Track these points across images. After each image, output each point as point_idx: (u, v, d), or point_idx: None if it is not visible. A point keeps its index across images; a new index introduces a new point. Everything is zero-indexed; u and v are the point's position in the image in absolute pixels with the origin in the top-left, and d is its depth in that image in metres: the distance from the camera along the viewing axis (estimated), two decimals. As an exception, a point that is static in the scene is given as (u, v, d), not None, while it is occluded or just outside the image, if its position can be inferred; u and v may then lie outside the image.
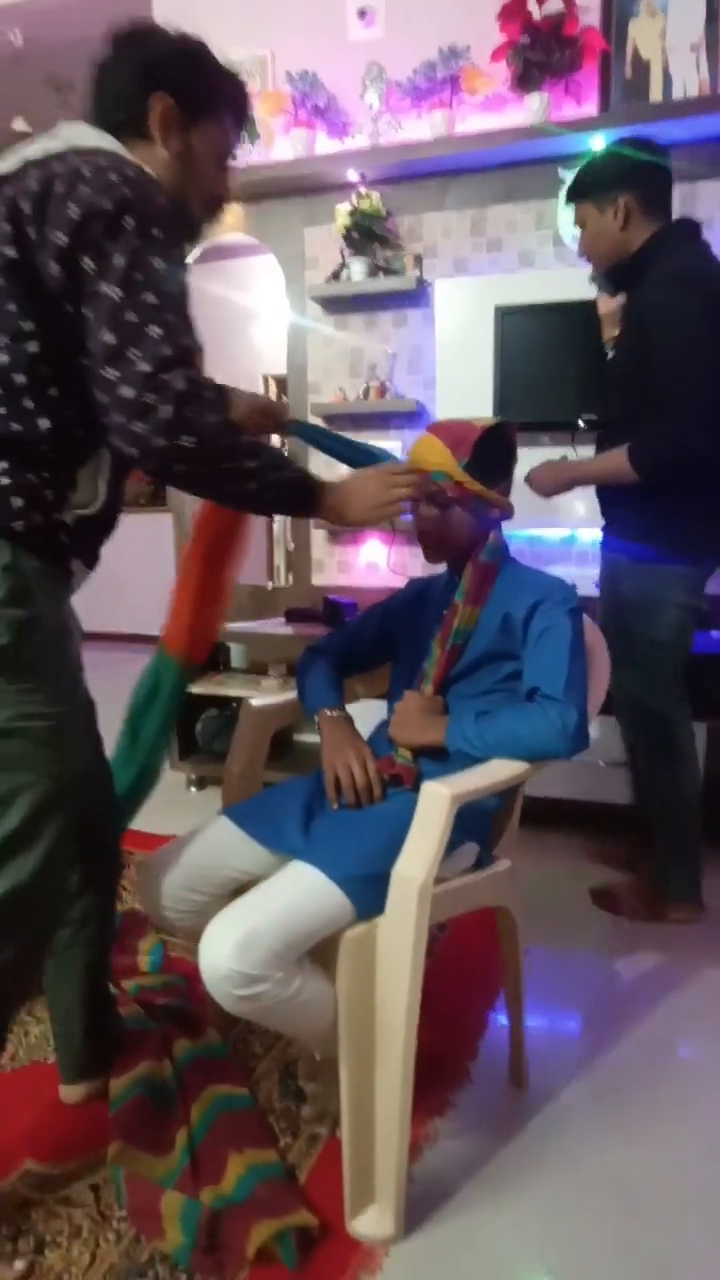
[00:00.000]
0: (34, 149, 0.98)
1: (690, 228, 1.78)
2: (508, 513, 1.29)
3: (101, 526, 1.08)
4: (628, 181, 1.74)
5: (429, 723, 1.22)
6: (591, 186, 1.77)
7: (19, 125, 3.31)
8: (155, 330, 0.89)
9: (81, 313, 0.91)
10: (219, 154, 1.10)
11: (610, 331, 1.88)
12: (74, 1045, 1.29)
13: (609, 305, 1.88)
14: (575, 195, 1.81)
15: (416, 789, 1.10)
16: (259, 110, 2.63)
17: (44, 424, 0.94)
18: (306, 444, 1.49)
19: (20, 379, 0.93)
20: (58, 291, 0.92)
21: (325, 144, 2.60)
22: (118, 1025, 1.39)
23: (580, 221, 1.82)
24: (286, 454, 1.12)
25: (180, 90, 1.03)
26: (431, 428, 1.26)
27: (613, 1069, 1.44)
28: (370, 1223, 1.11)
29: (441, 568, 1.36)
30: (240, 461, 0.97)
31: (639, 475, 1.64)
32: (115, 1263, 1.05)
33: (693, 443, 1.58)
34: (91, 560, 1.10)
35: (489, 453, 1.23)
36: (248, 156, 2.69)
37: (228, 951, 0.98)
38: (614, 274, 1.82)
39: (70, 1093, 1.31)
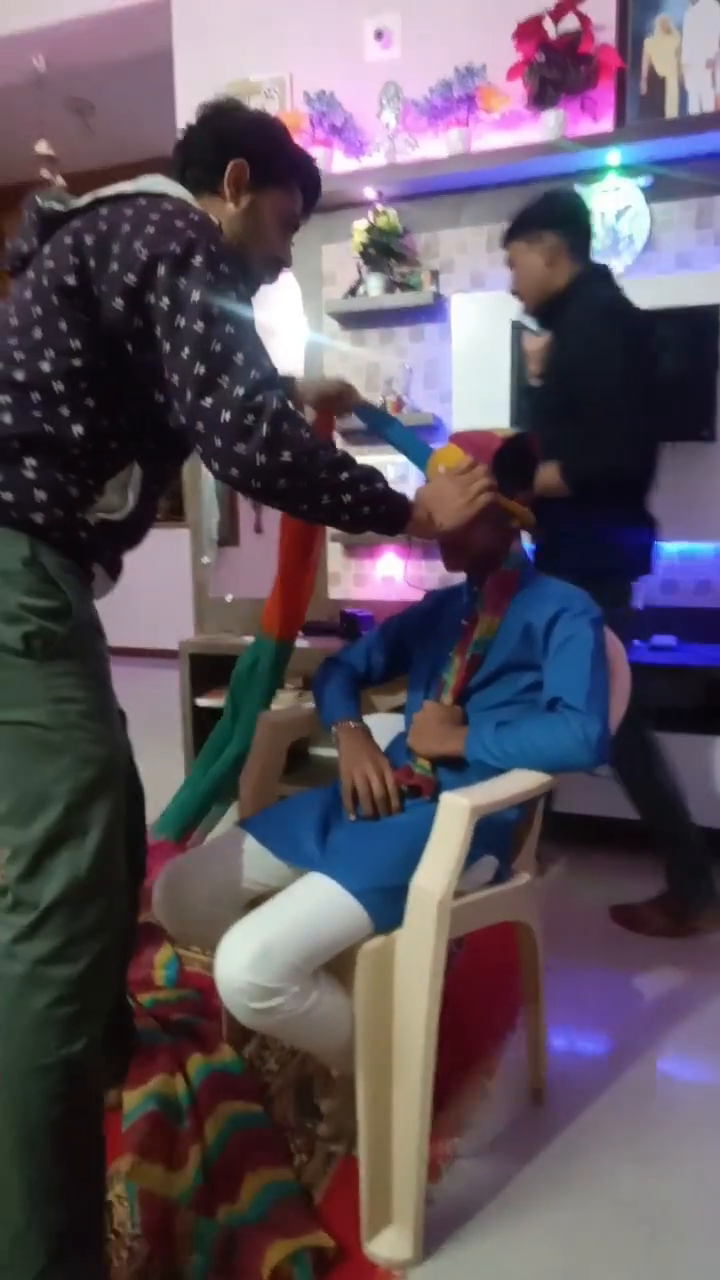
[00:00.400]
0: (108, 190, 1.05)
1: (606, 271, 1.92)
2: (529, 522, 1.29)
3: (126, 534, 1.09)
4: (557, 223, 1.86)
5: (448, 733, 1.21)
6: (523, 227, 1.89)
7: (42, 148, 3.38)
8: (240, 357, 0.94)
9: (157, 347, 0.96)
10: (283, 218, 1.18)
11: (534, 368, 2.00)
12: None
13: (534, 344, 1.98)
14: (508, 235, 1.92)
15: (435, 800, 1.09)
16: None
17: (77, 430, 0.98)
18: (370, 428, 1.60)
19: (59, 387, 0.97)
20: (115, 323, 0.98)
21: (342, 162, 2.63)
22: (133, 1037, 1.38)
23: (510, 260, 1.93)
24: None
25: (255, 157, 1.12)
26: (454, 437, 1.26)
27: (636, 1089, 1.41)
28: (387, 1245, 1.08)
29: (459, 578, 1.36)
30: (337, 474, 1.01)
31: (570, 488, 1.73)
32: (127, 1283, 1.03)
33: (620, 458, 1.73)
34: (114, 569, 1.11)
35: (510, 463, 1.23)
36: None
37: (244, 964, 0.97)
38: (541, 310, 1.94)
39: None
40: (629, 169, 2.39)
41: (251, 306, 1.04)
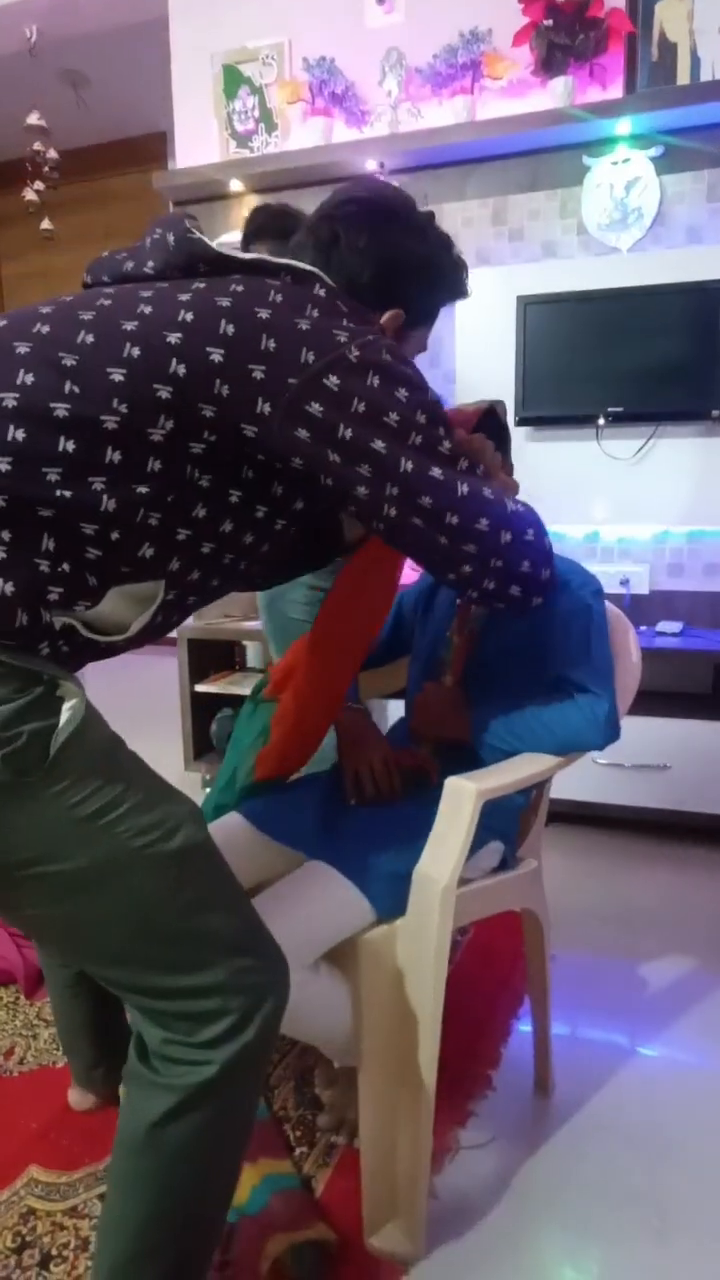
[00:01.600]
0: (282, 259, 0.85)
1: None
2: (514, 491, 1.24)
3: (100, 652, 0.81)
4: None
5: (451, 715, 1.17)
6: None
7: (33, 120, 3.30)
8: (464, 488, 0.84)
9: (338, 474, 0.80)
10: (419, 349, 1.02)
11: None
12: (83, 1053, 1.24)
13: None
14: None
15: (438, 783, 1.05)
16: (276, 99, 2.60)
17: (109, 505, 0.72)
18: None
19: (114, 456, 0.72)
20: (243, 419, 0.77)
21: (343, 133, 2.56)
22: (127, 1031, 1.35)
23: None
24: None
25: (416, 305, 0.94)
26: None
27: (643, 1079, 1.38)
28: (390, 1239, 1.06)
29: None
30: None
31: None
32: (123, 1278, 1.00)
33: None
34: (74, 669, 0.80)
35: (490, 436, 1.17)
36: (265, 147, 2.66)
37: (242, 953, 0.93)
38: None
39: (80, 1099, 1.27)
40: (639, 139, 2.32)
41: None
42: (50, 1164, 1.17)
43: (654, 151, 2.32)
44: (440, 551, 0.86)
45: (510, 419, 1.23)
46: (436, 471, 0.82)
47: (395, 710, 1.34)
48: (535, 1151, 1.23)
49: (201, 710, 2.74)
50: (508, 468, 1.22)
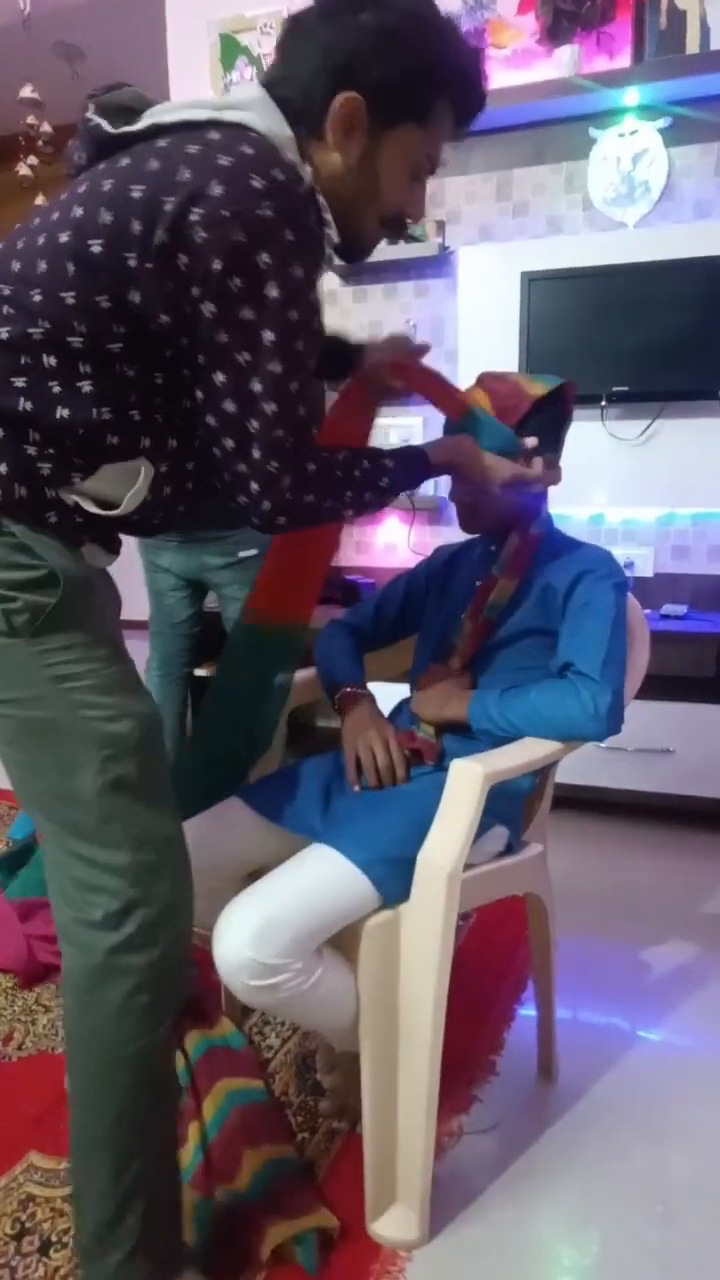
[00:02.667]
0: (170, 111, 0.81)
1: None
2: (556, 482, 1.21)
3: (126, 526, 0.91)
4: None
5: (453, 697, 1.14)
6: None
7: (26, 92, 3.22)
8: (273, 408, 0.80)
9: (196, 353, 0.80)
10: (415, 165, 0.89)
11: None
12: None
13: None
14: None
15: (441, 767, 1.03)
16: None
17: (63, 413, 0.80)
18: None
19: (51, 361, 0.79)
20: (146, 308, 0.78)
21: (344, 104, 2.50)
22: None
23: None
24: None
25: (380, 87, 0.81)
26: (482, 381, 1.17)
27: (647, 1063, 1.37)
28: (392, 1225, 1.05)
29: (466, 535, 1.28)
30: (359, 491, 0.92)
31: None
32: (124, 1264, 0.99)
33: None
34: (110, 545, 0.92)
35: (540, 419, 1.14)
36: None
37: (245, 940, 0.91)
38: None
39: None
40: (647, 110, 2.27)
41: (319, 316, 0.84)
42: (49, 1150, 1.16)
43: (662, 123, 2.27)
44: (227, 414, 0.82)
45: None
46: (245, 356, 0.79)
47: (400, 692, 1.31)
48: (538, 1136, 1.22)
49: (198, 694, 2.71)
50: (552, 457, 1.19)
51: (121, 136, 0.83)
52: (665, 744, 2.20)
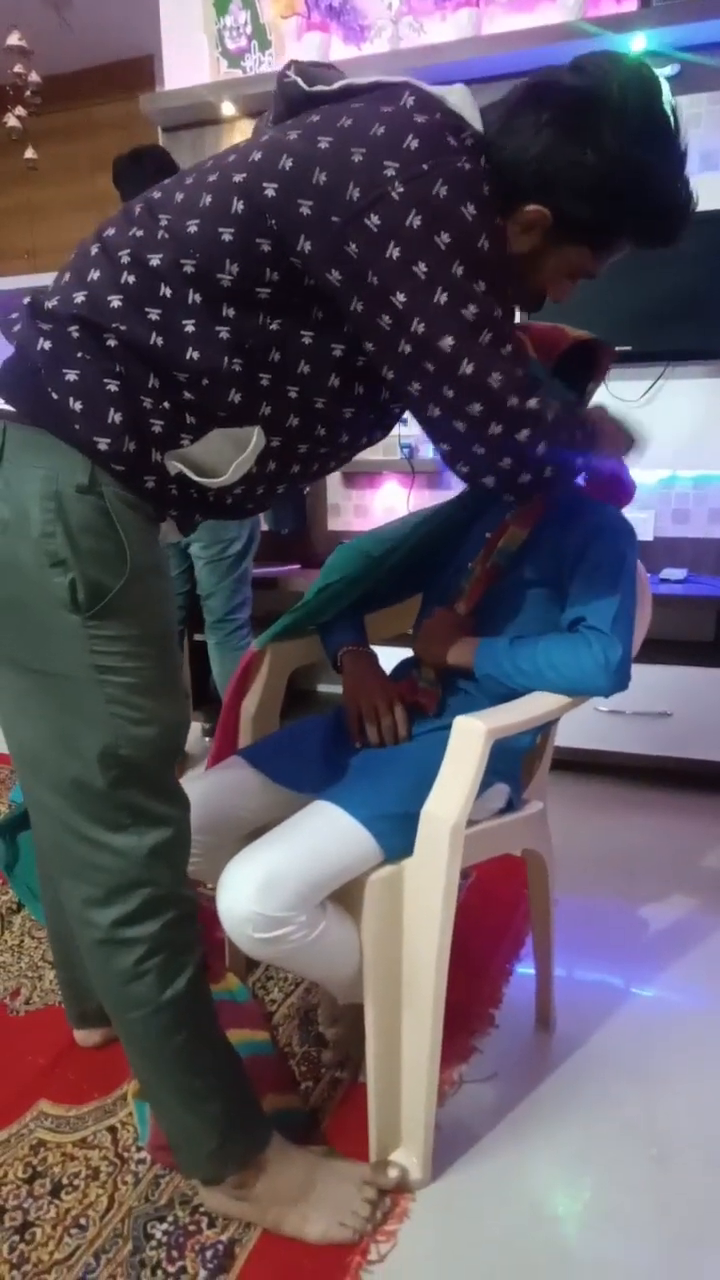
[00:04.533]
0: (365, 77, 0.80)
1: None
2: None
3: (215, 505, 0.89)
4: None
5: (459, 642, 1.14)
6: None
7: (13, 40, 3.12)
8: (506, 348, 0.78)
9: (385, 317, 0.76)
10: (576, 274, 0.90)
11: None
12: (81, 992, 1.25)
13: None
14: None
15: (442, 724, 1.03)
16: (269, 13, 2.45)
17: (193, 355, 0.77)
18: None
19: (195, 298, 0.76)
20: (323, 259, 0.75)
21: (341, 50, 2.43)
22: None
23: None
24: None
25: (570, 218, 0.82)
26: (520, 325, 1.15)
27: (642, 1015, 1.40)
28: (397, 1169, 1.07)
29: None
30: (573, 453, 0.91)
31: None
32: (134, 1206, 1.02)
33: None
34: (185, 525, 0.91)
35: (573, 368, 1.13)
36: (258, 67, 2.52)
37: (249, 894, 0.92)
38: None
39: (86, 1036, 1.28)
40: (654, 56, 2.20)
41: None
42: (59, 1098, 1.19)
43: (670, 70, 2.20)
44: (444, 409, 0.80)
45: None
46: (448, 340, 0.76)
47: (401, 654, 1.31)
48: (536, 1085, 1.25)
49: (201, 661, 2.71)
50: (580, 408, 1.17)
51: (316, 94, 0.81)
52: (663, 707, 2.21)
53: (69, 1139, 1.12)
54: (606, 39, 2.14)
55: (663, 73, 2.19)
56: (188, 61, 2.62)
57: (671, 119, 0.81)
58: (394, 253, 0.73)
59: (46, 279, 0.87)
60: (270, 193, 0.75)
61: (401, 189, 0.71)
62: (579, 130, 0.79)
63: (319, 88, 0.81)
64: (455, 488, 1.21)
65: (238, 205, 0.75)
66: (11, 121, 3.29)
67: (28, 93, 3.20)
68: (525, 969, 1.51)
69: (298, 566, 2.69)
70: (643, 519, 2.45)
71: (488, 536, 1.17)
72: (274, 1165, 0.99)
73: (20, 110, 3.27)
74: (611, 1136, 1.16)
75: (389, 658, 1.28)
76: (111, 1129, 1.14)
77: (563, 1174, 1.10)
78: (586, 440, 0.94)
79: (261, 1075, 1.20)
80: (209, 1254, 0.96)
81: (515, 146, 0.80)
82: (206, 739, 2.81)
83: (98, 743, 0.81)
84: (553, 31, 2.17)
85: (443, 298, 0.74)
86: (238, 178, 0.77)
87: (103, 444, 0.76)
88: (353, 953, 1.02)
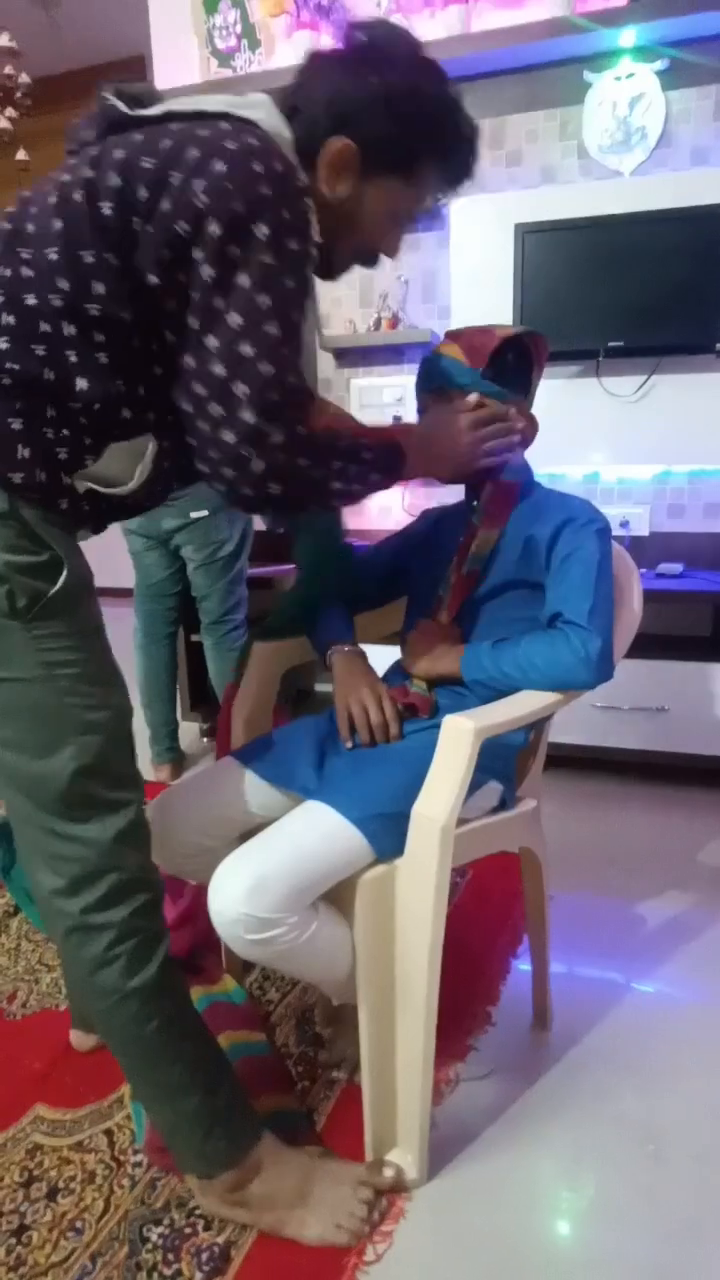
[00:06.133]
0: (186, 102, 0.86)
1: None
2: (528, 432, 1.20)
3: (123, 508, 0.94)
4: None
5: (443, 651, 1.14)
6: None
7: (3, 41, 3.11)
8: (266, 368, 0.80)
9: (186, 320, 0.81)
10: (397, 214, 0.94)
11: None
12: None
13: None
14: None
15: (433, 722, 1.03)
16: (259, 12, 2.45)
17: (81, 384, 0.82)
18: None
19: (70, 330, 0.80)
20: (152, 274, 0.80)
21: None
22: None
23: None
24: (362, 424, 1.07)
25: (375, 141, 0.88)
26: (450, 335, 1.16)
27: (639, 1011, 1.40)
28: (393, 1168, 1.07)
29: (459, 497, 1.27)
30: (328, 483, 0.90)
31: None
32: (130, 1209, 1.02)
33: None
34: (99, 528, 0.96)
35: (508, 365, 1.13)
36: (248, 65, 2.52)
37: (239, 895, 0.92)
38: None
39: (82, 1040, 1.28)
40: (643, 51, 2.20)
41: (310, 293, 0.87)
42: (55, 1102, 1.19)
43: (659, 65, 2.20)
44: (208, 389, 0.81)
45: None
46: (235, 319, 0.79)
47: (393, 654, 1.31)
48: (533, 1083, 1.25)
49: (198, 661, 2.71)
50: (523, 405, 1.17)
51: (136, 118, 0.86)
52: (661, 702, 2.21)
53: (65, 1142, 1.12)
54: (596, 35, 2.14)
55: (653, 68, 2.20)
56: (178, 60, 2.62)
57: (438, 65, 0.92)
58: (197, 254, 0.78)
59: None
60: (107, 210, 0.79)
61: (205, 200, 0.77)
62: (360, 64, 0.88)
63: (139, 112, 0.86)
64: (449, 487, 1.21)
65: (85, 227, 0.79)
66: (1, 123, 3.28)
67: (18, 94, 3.20)
68: (523, 965, 1.51)
69: (292, 566, 2.68)
70: (638, 514, 2.45)
71: (461, 541, 1.18)
72: (269, 1168, 0.99)
73: (11, 112, 3.27)
74: (608, 1134, 1.16)
75: (381, 658, 1.28)
76: (108, 1132, 1.14)
77: (559, 1172, 1.10)
78: (360, 465, 0.93)
79: (258, 1076, 1.20)
80: (204, 1256, 0.96)
81: (307, 99, 0.88)
82: (205, 739, 2.82)
83: (58, 736, 0.86)
84: (542, 27, 2.17)
85: (244, 280, 0.79)
86: (77, 196, 0.80)
87: (16, 478, 0.81)
88: (346, 953, 1.02)
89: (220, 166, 0.77)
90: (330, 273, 0.98)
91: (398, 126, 0.88)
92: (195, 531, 2.14)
